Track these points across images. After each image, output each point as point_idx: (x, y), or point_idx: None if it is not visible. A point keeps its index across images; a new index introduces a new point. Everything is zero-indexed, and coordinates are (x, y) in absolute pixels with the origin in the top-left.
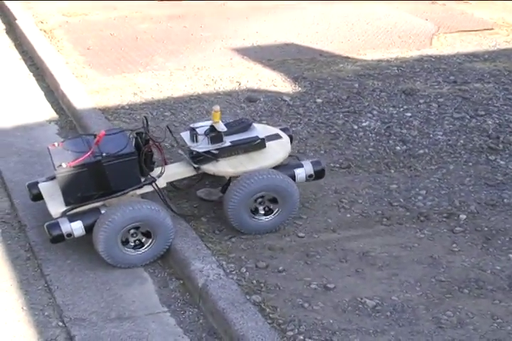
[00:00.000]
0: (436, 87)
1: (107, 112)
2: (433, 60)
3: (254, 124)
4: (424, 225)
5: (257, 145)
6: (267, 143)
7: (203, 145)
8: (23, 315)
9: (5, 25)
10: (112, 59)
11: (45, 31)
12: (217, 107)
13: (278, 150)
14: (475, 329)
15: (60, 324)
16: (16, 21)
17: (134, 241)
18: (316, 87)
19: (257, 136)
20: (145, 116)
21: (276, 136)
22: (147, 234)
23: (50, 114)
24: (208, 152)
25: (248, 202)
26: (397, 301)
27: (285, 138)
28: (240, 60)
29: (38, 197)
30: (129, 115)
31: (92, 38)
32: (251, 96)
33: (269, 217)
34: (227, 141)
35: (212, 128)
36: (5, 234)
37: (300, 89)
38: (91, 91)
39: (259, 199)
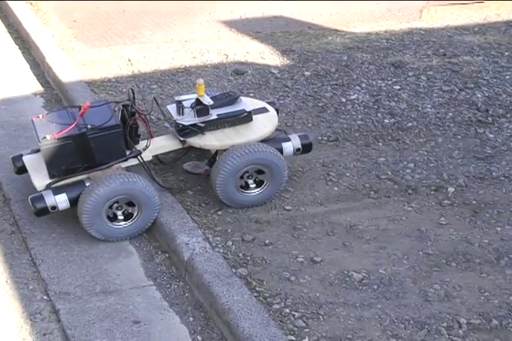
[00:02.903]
0: (426, 59)
1: (93, 85)
2: (422, 32)
3: (242, 97)
4: (412, 198)
5: (244, 118)
6: (254, 117)
7: (189, 119)
8: (7, 289)
9: None
10: (99, 32)
11: (31, 4)
12: (200, 81)
13: (265, 123)
14: (462, 302)
15: (45, 298)
16: None
17: (123, 213)
18: (304, 60)
19: (243, 109)
20: (131, 89)
21: (264, 110)
22: (132, 204)
23: (36, 86)
24: (194, 125)
25: (236, 177)
26: (384, 274)
27: (272, 111)
28: (228, 32)
29: (22, 170)
30: (116, 88)
31: (79, 11)
32: (238, 69)
33: (258, 191)
34: (214, 114)
35: (198, 102)
36: None
37: (288, 61)
38: (77, 64)
39: (247, 174)
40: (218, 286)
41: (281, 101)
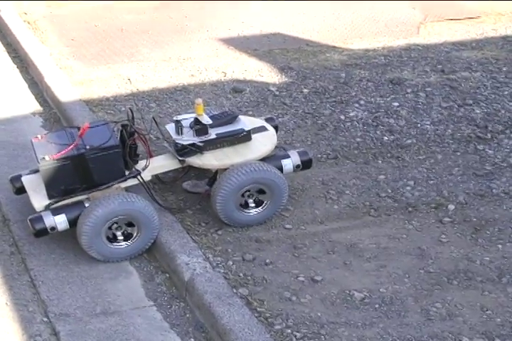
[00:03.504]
0: (424, 76)
1: (91, 104)
2: (420, 48)
3: (240, 116)
4: (413, 216)
5: (243, 137)
6: (253, 136)
7: (188, 138)
8: (7, 311)
9: None
10: (97, 50)
11: (28, 22)
12: (199, 100)
13: (264, 142)
14: (464, 321)
15: (45, 319)
16: None
17: (123, 234)
18: (302, 77)
19: (242, 129)
20: (130, 108)
21: (263, 128)
22: (131, 224)
23: (34, 106)
24: (193, 144)
25: (237, 196)
26: (385, 293)
27: (271, 130)
28: (226, 50)
29: (21, 190)
30: (114, 106)
31: (77, 29)
32: (237, 87)
33: (258, 210)
34: (213, 134)
35: (197, 121)
36: None
37: (286, 79)
38: (75, 82)
39: (247, 193)
40: (219, 307)
41: (280, 119)
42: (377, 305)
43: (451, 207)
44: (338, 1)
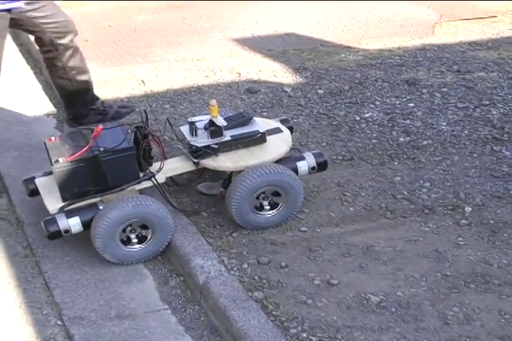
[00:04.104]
0: (440, 76)
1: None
2: (436, 48)
3: (255, 118)
4: (429, 218)
5: (258, 139)
6: (268, 138)
7: (202, 140)
8: (21, 314)
9: None
10: (110, 51)
11: None
12: (213, 101)
13: (279, 144)
14: (482, 325)
15: (59, 323)
16: None
17: (137, 236)
18: (317, 78)
19: (257, 130)
20: (144, 110)
21: (278, 130)
22: (145, 227)
23: (49, 107)
24: (208, 146)
25: (252, 198)
26: (402, 297)
27: (286, 131)
28: (240, 50)
29: (34, 192)
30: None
31: (90, 30)
32: (251, 88)
33: (273, 212)
34: (227, 135)
35: (211, 123)
36: (3, 231)
37: (301, 79)
38: None
39: (262, 195)
40: (234, 310)
41: (295, 120)
42: (393, 309)
43: (468, 209)
44: (353, 1)
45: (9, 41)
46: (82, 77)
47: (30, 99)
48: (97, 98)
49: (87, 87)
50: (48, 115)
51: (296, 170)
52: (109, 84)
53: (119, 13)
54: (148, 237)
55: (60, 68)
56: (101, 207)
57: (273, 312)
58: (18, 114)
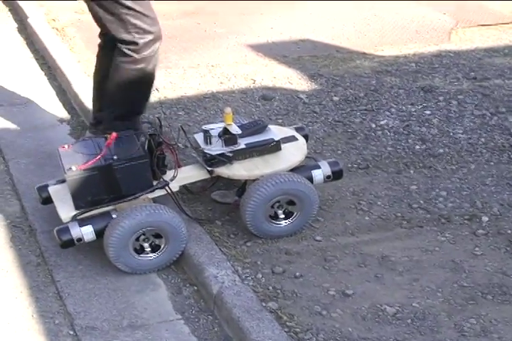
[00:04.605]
0: (456, 83)
1: None
2: (452, 55)
3: (270, 126)
4: (446, 228)
5: (273, 147)
6: (283, 146)
7: (216, 148)
8: (33, 323)
9: (17, 24)
10: None
11: (57, 29)
12: (228, 109)
13: (294, 152)
14: (500, 337)
15: (71, 332)
16: (28, 19)
17: (150, 245)
18: (332, 84)
19: (272, 138)
20: (158, 118)
21: (293, 138)
22: (159, 236)
23: (62, 113)
24: (222, 155)
25: (266, 207)
26: (418, 308)
27: (301, 140)
28: (255, 56)
29: (47, 200)
30: (142, 115)
31: None
32: (266, 95)
33: (288, 221)
34: (242, 144)
35: (225, 130)
36: (15, 239)
37: (316, 86)
38: None
39: (277, 204)
40: (248, 321)
41: (310, 127)
42: (409, 320)
43: (485, 218)
44: (368, 7)
45: (23, 47)
46: None
47: (44, 105)
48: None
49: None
50: (61, 121)
51: (311, 179)
52: None
53: None
54: (162, 246)
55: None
56: (114, 216)
57: (287, 323)
58: (32, 120)
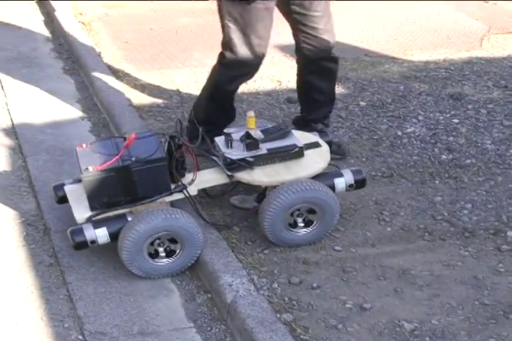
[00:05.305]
0: (486, 91)
1: (141, 110)
2: (483, 62)
3: (293, 131)
4: (469, 242)
5: (295, 153)
6: (306, 152)
7: (237, 152)
8: (41, 326)
9: (43, 17)
10: (150, 54)
11: (83, 23)
12: (251, 113)
13: (317, 159)
14: None
15: (80, 337)
16: (55, 13)
17: (165, 250)
18: (359, 89)
19: (295, 144)
20: (179, 120)
21: (316, 144)
22: (174, 241)
23: (83, 110)
24: (243, 159)
25: (285, 215)
26: (437, 325)
27: (325, 146)
28: (282, 57)
29: (63, 199)
30: (164, 114)
31: (131, 32)
32: (291, 98)
33: (307, 230)
34: (264, 149)
35: (248, 135)
36: (29, 238)
37: (343, 90)
38: (126, 87)
39: (297, 212)
40: (261, 333)
41: (335, 133)
42: (427, 338)
43: (510, 233)
44: (398, 10)
45: (49, 41)
46: None
47: (65, 100)
48: None
49: None
50: (82, 118)
51: (333, 187)
52: (146, 88)
53: (161, 15)
54: (177, 251)
55: None
56: (129, 219)
57: (301, 336)
58: (52, 116)
